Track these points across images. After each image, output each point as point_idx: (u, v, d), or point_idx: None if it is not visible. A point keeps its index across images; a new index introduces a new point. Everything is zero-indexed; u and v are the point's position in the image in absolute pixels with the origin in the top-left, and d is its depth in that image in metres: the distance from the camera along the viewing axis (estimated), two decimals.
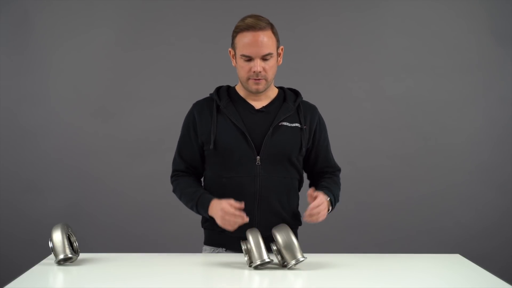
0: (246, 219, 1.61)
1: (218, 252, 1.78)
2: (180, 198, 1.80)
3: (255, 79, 1.70)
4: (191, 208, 1.77)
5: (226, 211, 1.61)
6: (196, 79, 3.14)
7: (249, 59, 1.68)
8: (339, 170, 1.91)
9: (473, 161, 3.19)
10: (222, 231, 1.74)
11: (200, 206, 1.72)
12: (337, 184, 1.85)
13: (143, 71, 3.17)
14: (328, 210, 1.73)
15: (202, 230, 1.85)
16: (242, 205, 1.62)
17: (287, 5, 3.11)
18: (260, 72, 1.68)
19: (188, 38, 3.17)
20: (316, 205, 1.65)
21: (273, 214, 1.73)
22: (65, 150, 3.13)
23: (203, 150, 1.78)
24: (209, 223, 1.78)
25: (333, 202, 1.76)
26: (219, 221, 1.65)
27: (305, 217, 1.66)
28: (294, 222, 1.81)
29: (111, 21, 3.15)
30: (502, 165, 3.19)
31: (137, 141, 3.15)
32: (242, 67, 1.71)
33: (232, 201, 1.63)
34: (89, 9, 3.13)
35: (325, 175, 1.86)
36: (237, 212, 1.60)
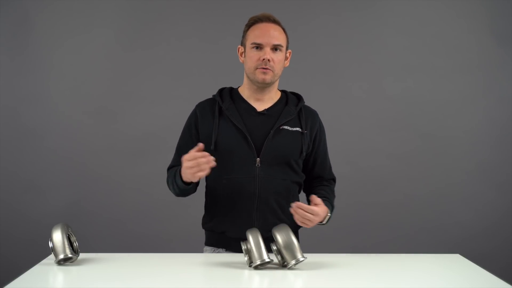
0: (210, 159, 1.53)
1: (219, 253, 1.78)
2: (167, 184, 1.77)
3: (263, 68, 1.71)
4: (174, 189, 1.72)
5: (187, 158, 1.54)
6: (196, 79, 3.14)
7: (259, 47, 1.70)
8: (334, 179, 1.91)
9: (473, 161, 3.19)
10: (223, 232, 1.74)
11: (177, 177, 1.67)
12: (334, 195, 1.86)
13: (143, 71, 3.17)
14: (321, 222, 1.71)
15: (203, 230, 1.85)
16: (200, 145, 1.55)
17: (287, 5, 3.11)
18: (269, 61, 1.69)
19: (188, 38, 3.17)
20: (314, 211, 1.61)
21: (272, 215, 1.73)
22: (65, 150, 3.13)
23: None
24: (209, 224, 1.79)
25: (329, 218, 1.74)
26: (187, 172, 1.56)
27: (295, 210, 1.60)
28: (293, 224, 1.79)
29: (111, 21, 3.15)
30: (502, 165, 3.19)
31: (137, 141, 3.15)
32: (251, 57, 1.72)
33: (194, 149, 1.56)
34: (89, 9, 3.13)
35: (322, 183, 1.86)
36: (199, 154, 1.53)
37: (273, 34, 1.71)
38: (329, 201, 1.77)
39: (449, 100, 3.20)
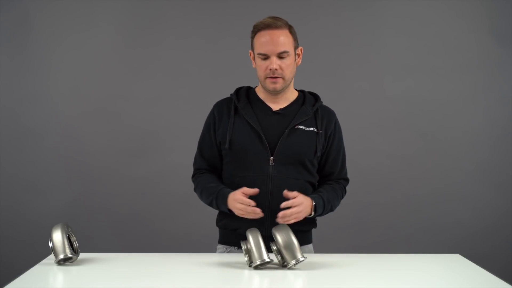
0: (260, 214, 1.64)
1: (230, 251, 1.80)
2: (200, 195, 1.81)
3: (272, 78, 1.71)
4: (211, 204, 1.77)
5: (240, 202, 1.64)
6: (195, 79, 3.14)
7: (266, 57, 1.70)
8: (345, 179, 1.89)
9: (473, 160, 3.19)
10: (235, 229, 1.75)
11: (220, 200, 1.72)
12: (335, 191, 1.81)
13: (143, 71, 3.17)
14: (311, 214, 1.71)
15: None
16: (256, 190, 1.65)
17: (287, 5, 3.10)
18: (276, 69, 1.70)
19: (188, 38, 3.17)
20: (295, 203, 1.63)
21: None
22: (65, 150, 3.13)
23: (221, 150, 1.80)
24: (223, 222, 1.80)
25: (318, 207, 1.72)
26: (237, 213, 1.67)
27: (283, 220, 1.63)
28: (307, 224, 1.78)
29: (111, 21, 3.15)
30: (502, 165, 3.19)
31: (137, 141, 3.15)
32: (260, 66, 1.73)
33: (245, 188, 1.66)
34: (89, 8, 3.13)
35: (328, 182, 1.85)
36: (249, 208, 1.63)
37: (277, 42, 1.69)
38: (320, 195, 1.74)
39: (449, 100, 3.20)
